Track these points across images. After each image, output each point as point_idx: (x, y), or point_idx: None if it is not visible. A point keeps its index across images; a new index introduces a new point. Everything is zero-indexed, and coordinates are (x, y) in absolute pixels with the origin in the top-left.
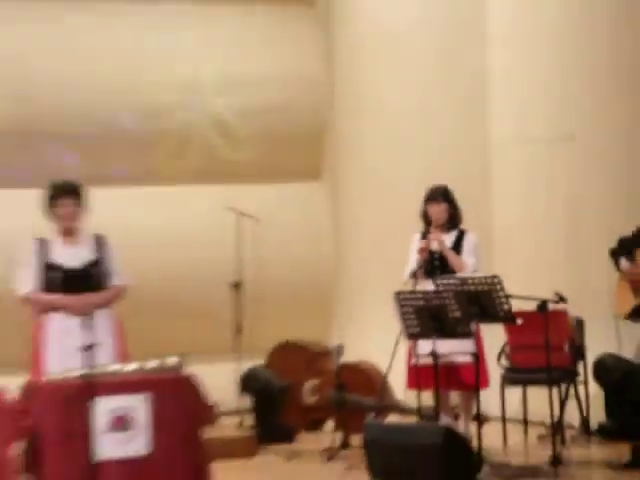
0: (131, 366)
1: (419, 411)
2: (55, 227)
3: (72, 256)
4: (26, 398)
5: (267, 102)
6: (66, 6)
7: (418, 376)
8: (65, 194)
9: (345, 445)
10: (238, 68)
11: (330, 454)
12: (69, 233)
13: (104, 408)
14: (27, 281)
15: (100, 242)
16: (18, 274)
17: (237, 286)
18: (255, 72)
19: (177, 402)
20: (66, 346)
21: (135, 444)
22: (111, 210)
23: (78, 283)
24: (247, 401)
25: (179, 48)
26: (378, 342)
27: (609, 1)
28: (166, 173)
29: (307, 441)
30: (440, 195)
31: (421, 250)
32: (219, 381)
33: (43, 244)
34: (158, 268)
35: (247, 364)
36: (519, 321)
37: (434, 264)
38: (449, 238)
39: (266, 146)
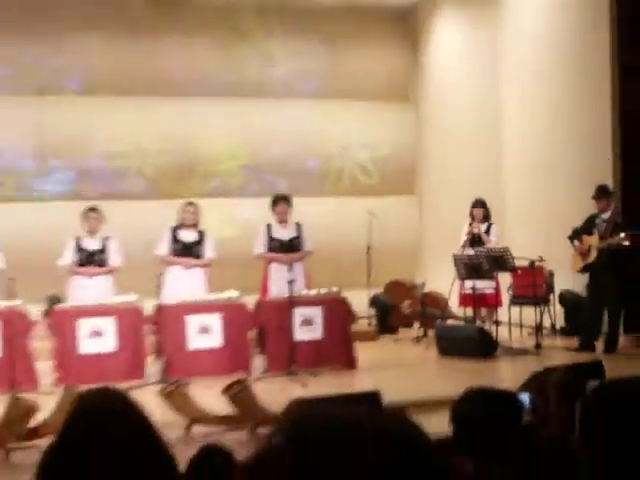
0: (312, 292)
1: (465, 319)
2: (275, 218)
3: (285, 234)
4: (257, 307)
5: (384, 154)
6: (279, 104)
7: (464, 300)
8: (281, 200)
9: (425, 335)
10: (369, 137)
11: (417, 340)
12: (283, 221)
13: (298, 314)
14: (259, 246)
15: (299, 227)
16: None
17: (368, 250)
18: (376, 139)
19: (338, 311)
20: (280, 281)
21: (315, 332)
22: (313, 213)
23: (287, 248)
24: (373, 311)
25: (339, 127)
26: (443, 281)
27: None
28: (332, 192)
29: (404, 333)
30: (480, 203)
31: (469, 233)
32: (359, 300)
33: (269, 227)
34: (333, 241)
35: (373, 291)
36: (519, 272)
37: (475, 240)
38: (483, 227)
39: (384, 176)
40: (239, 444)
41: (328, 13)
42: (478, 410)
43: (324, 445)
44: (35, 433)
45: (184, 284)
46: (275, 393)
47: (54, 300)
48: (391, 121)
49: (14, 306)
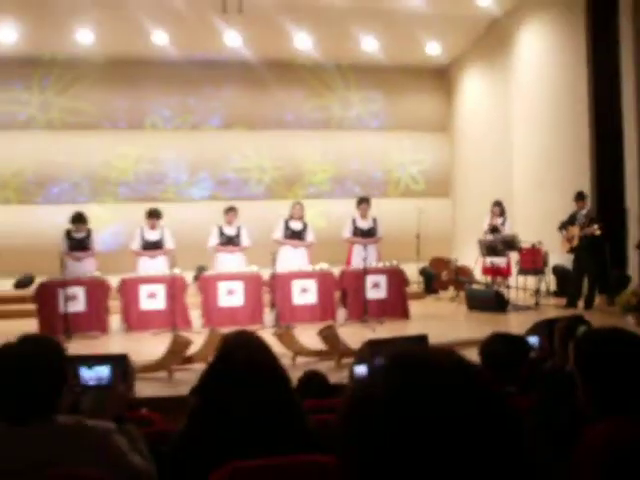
0: (380, 264)
1: (485, 284)
2: (358, 213)
3: (365, 225)
4: (341, 275)
5: (428, 168)
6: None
7: (485, 271)
8: (364, 201)
9: (457, 295)
10: (417, 156)
11: (452, 299)
12: (364, 216)
13: (370, 279)
14: (346, 232)
15: (375, 220)
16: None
17: (418, 236)
18: (422, 158)
19: (397, 277)
20: (359, 257)
21: (381, 293)
22: (379, 209)
23: (366, 235)
24: (421, 278)
25: (396, 149)
26: (470, 257)
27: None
28: (392, 194)
29: (443, 294)
30: (497, 203)
31: (489, 224)
32: (412, 271)
33: (354, 219)
34: (394, 229)
35: (422, 264)
36: (524, 251)
37: (493, 229)
38: (500, 220)
39: (428, 184)
40: (329, 370)
41: (387, 70)
42: (500, 348)
43: (420, 370)
44: (190, 360)
45: (292, 259)
46: (353, 335)
47: (201, 269)
48: (432, 145)
49: (175, 273)
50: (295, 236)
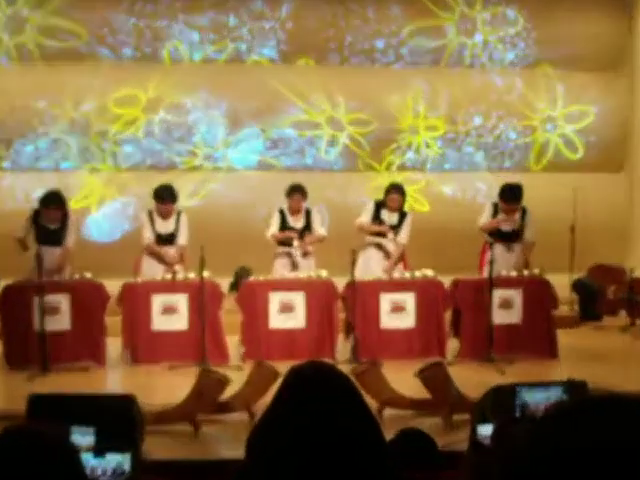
0: (512, 273)
1: None
2: (502, 207)
3: (509, 226)
4: (454, 286)
5: (591, 126)
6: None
7: None
8: (511, 200)
9: (632, 324)
10: (575, 108)
11: (623, 329)
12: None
13: (498, 295)
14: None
15: (524, 215)
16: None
17: (572, 230)
18: (582, 110)
19: (540, 293)
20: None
21: (514, 316)
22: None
23: (506, 239)
24: (575, 296)
25: (542, 97)
26: None
27: None
28: (533, 167)
29: (609, 321)
30: None
31: None
32: (561, 283)
33: (495, 208)
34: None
35: (576, 275)
36: None
37: None
38: None
39: (590, 151)
40: (435, 429)
41: None
42: None
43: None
44: (225, 407)
45: (378, 261)
46: (471, 379)
47: (243, 273)
48: (599, 91)
49: (204, 277)
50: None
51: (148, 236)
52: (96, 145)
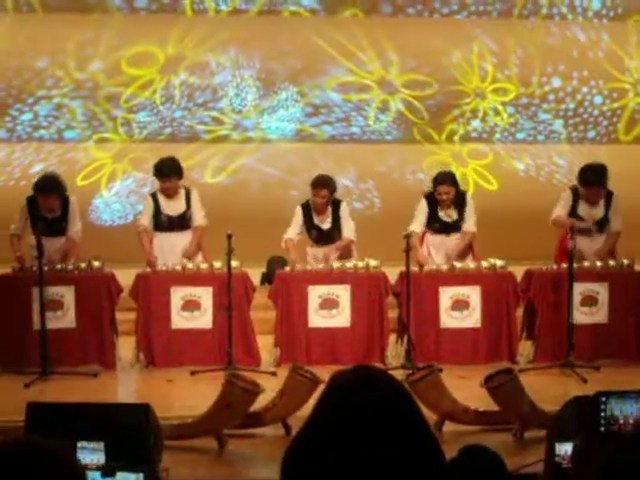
0: (598, 263)
1: None
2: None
3: (592, 213)
4: (527, 279)
5: None
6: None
7: None
8: (595, 184)
9: None
10: None
11: None
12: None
13: (579, 290)
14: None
15: (609, 204)
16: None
17: None
18: None
19: (629, 288)
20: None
21: (599, 315)
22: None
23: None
24: None
25: (634, 55)
26: None
27: None
28: (624, 139)
29: None
30: None
31: None
32: None
33: (576, 195)
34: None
35: None
36: None
37: None
38: None
39: None
40: (504, 447)
41: None
42: None
43: None
44: (256, 420)
45: (439, 249)
46: (547, 388)
47: (277, 262)
48: None
49: (231, 268)
50: (444, 228)
51: (142, 222)
52: (105, 112)
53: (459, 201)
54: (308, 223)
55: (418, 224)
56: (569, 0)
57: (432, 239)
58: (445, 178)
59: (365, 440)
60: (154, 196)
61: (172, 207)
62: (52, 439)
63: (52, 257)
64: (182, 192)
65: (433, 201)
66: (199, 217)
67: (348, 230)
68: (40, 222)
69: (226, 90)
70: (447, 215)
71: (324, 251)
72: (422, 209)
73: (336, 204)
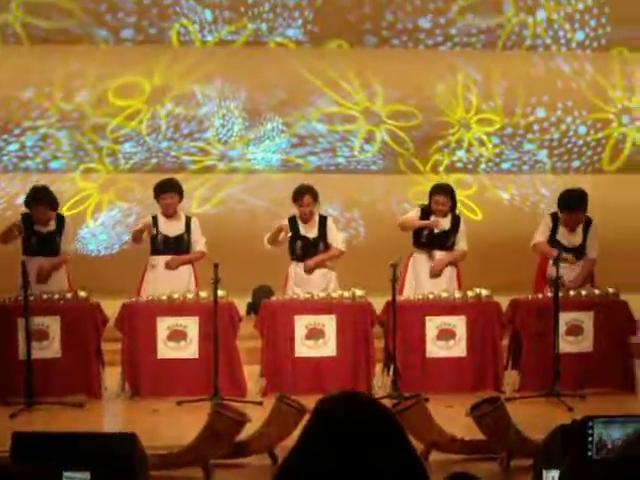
0: (583, 292)
1: None
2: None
3: (572, 240)
4: (513, 308)
5: None
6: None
7: None
8: (575, 210)
9: None
10: None
11: None
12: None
13: (565, 319)
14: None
15: (586, 232)
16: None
17: None
18: None
19: (615, 317)
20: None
21: (583, 343)
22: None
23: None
24: None
25: (616, 84)
26: None
27: None
28: (609, 168)
29: None
30: None
31: None
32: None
33: (555, 221)
34: (613, 232)
35: None
36: None
37: None
38: None
39: None
40: (490, 476)
41: None
42: None
43: None
44: (243, 450)
45: (424, 275)
46: (533, 417)
47: (263, 292)
48: None
49: (218, 298)
50: (436, 241)
51: (137, 227)
52: (91, 142)
53: (454, 220)
54: (295, 235)
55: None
56: (553, 31)
57: (418, 257)
58: (441, 189)
59: (352, 466)
60: (155, 218)
61: (170, 228)
62: (36, 468)
63: (46, 277)
64: (182, 216)
65: (427, 213)
66: (201, 243)
67: (337, 241)
68: (34, 238)
69: (212, 121)
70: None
71: (317, 258)
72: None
73: (323, 218)
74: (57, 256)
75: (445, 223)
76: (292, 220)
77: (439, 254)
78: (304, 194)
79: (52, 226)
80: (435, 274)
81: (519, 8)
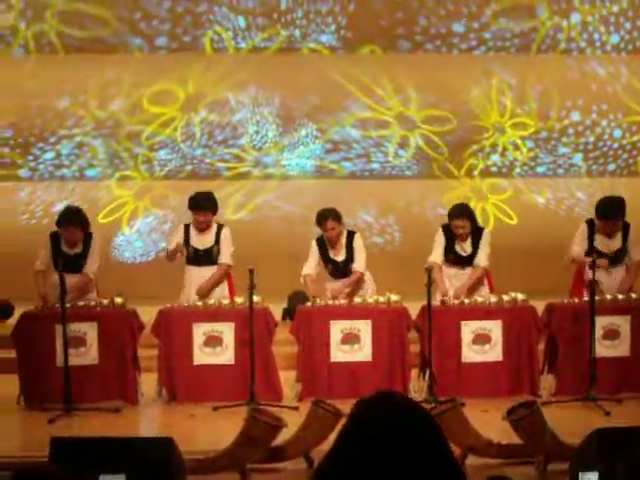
0: (620, 296)
1: None
2: (600, 228)
3: (609, 246)
4: (548, 312)
5: None
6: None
7: None
8: (614, 217)
9: None
10: None
11: None
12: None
13: (602, 323)
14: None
15: (626, 236)
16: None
17: None
18: None
19: None
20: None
21: (621, 348)
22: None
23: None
24: None
25: None
26: None
27: None
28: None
29: None
30: None
31: None
32: None
33: (591, 228)
34: None
35: None
36: None
37: None
38: None
39: None
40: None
41: None
42: None
43: None
44: (279, 454)
45: (452, 282)
46: (570, 421)
47: (299, 297)
48: None
49: (253, 303)
50: (460, 260)
51: (170, 246)
52: (126, 150)
53: (476, 236)
54: (324, 257)
55: (437, 255)
56: (587, 35)
57: (447, 271)
58: (459, 212)
59: (388, 469)
60: (187, 227)
61: (201, 241)
62: (72, 472)
63: (68, 295)
64: (214, 227)
65: (450, 232)
66: (226, 254)
67: (358, 263)
68: (60, 259)
69: (246, 127)
70: (462, 249)
71: (339, 286)
72: (439, 240)
73: (350, 235)
74: (79, 274)
75: (467, 247)
76: (320, 241)
77: (467, 273)
78: (327, 218)
79: (79, 248)
80: (457, 297)
81: (553, 11)
